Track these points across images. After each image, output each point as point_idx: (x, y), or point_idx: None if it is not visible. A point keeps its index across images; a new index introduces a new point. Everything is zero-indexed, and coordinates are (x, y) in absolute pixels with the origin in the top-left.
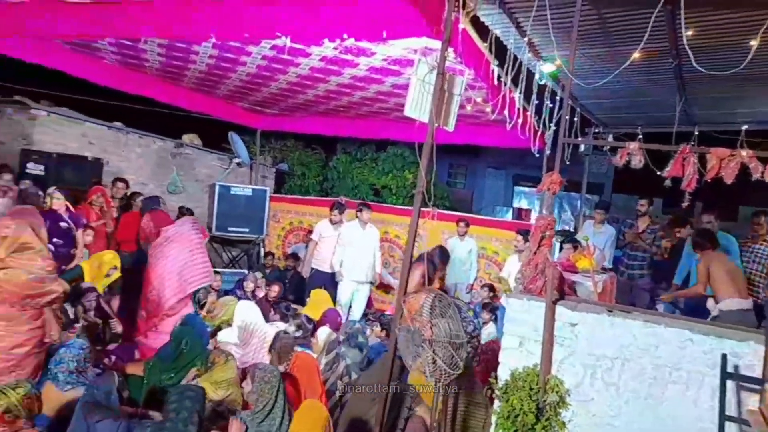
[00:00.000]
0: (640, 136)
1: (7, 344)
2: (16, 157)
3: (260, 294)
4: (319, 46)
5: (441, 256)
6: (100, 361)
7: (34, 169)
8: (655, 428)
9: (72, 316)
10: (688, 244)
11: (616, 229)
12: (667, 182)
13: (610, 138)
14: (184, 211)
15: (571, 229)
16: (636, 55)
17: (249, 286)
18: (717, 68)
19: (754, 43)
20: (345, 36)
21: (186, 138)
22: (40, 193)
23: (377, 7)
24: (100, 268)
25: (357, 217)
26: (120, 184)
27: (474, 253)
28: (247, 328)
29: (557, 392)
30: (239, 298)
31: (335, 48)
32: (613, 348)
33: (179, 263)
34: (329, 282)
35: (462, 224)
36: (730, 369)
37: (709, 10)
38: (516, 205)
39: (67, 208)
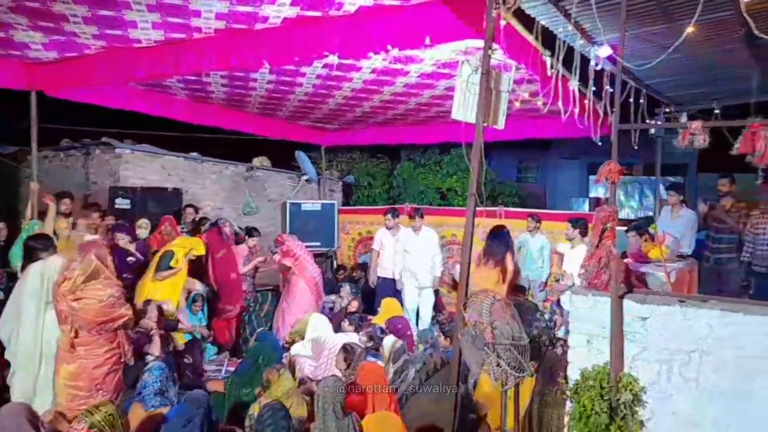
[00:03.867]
0: (717, 111)
1: (90, 365)
2: (106, 194)
3: (340, 306)
4: (367, 59)
5: (498, 239)
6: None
7: (122, 203)
8: (743, 424)
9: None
10: None
11: (700, 210)
12: (749, 158)
13: (684, 117)
14: (253, 233)
15: (652, 215)
16: (691, 29)
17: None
18: None
19: None
20: (389, 47)
21: (256, 161)
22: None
23: (416, 15)
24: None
25: (411, 224)
26: (189, 210)
27: (546, 249)
28: (318, 341)
29: (631, 390)
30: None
31: (384, 59)
32: (689, 341)
33: None
34: (395, 289)
35: (532, 220)
36: None
37: None
38: (593, 194)
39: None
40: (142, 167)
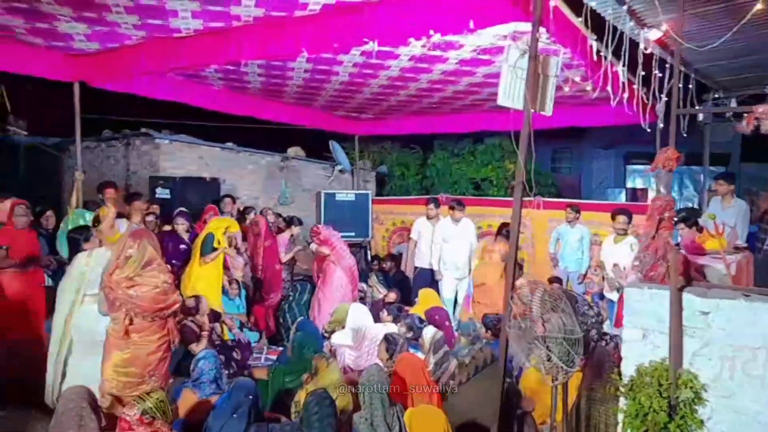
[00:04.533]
0: None
1: (144, 351)
2: (146, 183)
3: (378, 296)
4: (407, 46)
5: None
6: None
7: (162, 193)
8: None
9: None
10: None
11: (747, 202)
12: None
13: (733, 103)
14: (294, 221)
15: (696, 206)
16: (760, 6)
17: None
18: None
19: None
20: (431, 32)
21: (291, 151)
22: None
23: None
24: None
25: (450, 214)
26: (227, 200)
27: (586, 240)
28: (359, 331)
29: (691, 388)
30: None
31: (423, 46)
32: (755, 336)
33: None
34: (432, 278)
35: (571, 210)
36: None
37: None
38: (629, 185)
39: (188, 229)
40: (181, 157)
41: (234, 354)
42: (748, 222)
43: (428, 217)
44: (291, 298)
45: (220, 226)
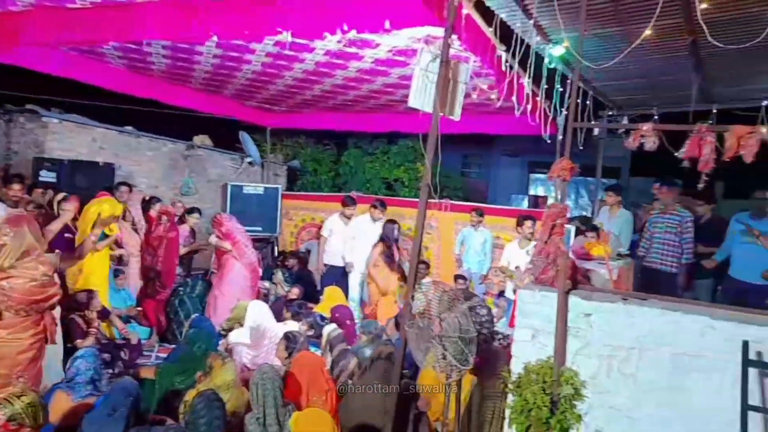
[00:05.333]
0: (656, 117)
1: (13, 350)
2: (30, 165)
3: (282, 293)
4: (322, 40)
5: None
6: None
7: (47, 176)
8: (675, 419)
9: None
10: (735, 227)
11: (632, 213)
12: (685, 163)
13: (625, 120)
14: (194, 212)
15: (589, 215)
16: (648, 32)
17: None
18: (733, 42)
19: None
20: (345, 27)
21: (197, 139)
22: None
23: None
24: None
25: (370, 212)
26: (123, 188)
27: (489, 243)
28: (258, 329)
29: (572, 384)
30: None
31: (339, 41)
32: (630, 338)
33: None
34: (342, 276)
35: (475, 214)
36: (752, 356)
37: None
38: (532, 192)
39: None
40: (71, 138)
41: (122, 353)
42: (631, 231)
43: (346, 216)
44: (182, 292)
45: (104, 209)
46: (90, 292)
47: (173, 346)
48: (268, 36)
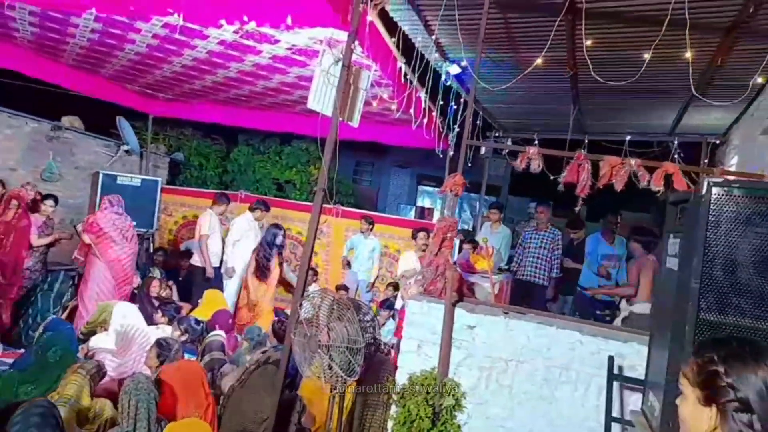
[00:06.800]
0: (536, 142)
1: None
2: None
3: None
4: (217, 28)
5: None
6: None
7: None
8: (546, 429)
9: None
10: (594, 241)
11: (511, 230)
12: (560, 187)
13: (509, 142)
14: (49, 199)
15: (470, 229)
16: (539, 61)
17: (153, 290)
18: (612, 79)
19: (647, 56)
20: (245, 18)
21: (66, 120)
22: None
23: None
24: None
25: (252, 214)
26: None
27: (377, 251)
28: (126, 334)
29: (453, 395)
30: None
31: (235, 32)
32: (509, 350)
33: None
34: (218, 278)
35: (365, 222)
36: (616, 370)
37: (606, 23)
38: (419, 203)
39: None
40: None
41: None
42: (509, 246)
43: (217, 213)
44: (39, 289)
45: None
46: None
47: (21, 350)
48: (156, 16)
